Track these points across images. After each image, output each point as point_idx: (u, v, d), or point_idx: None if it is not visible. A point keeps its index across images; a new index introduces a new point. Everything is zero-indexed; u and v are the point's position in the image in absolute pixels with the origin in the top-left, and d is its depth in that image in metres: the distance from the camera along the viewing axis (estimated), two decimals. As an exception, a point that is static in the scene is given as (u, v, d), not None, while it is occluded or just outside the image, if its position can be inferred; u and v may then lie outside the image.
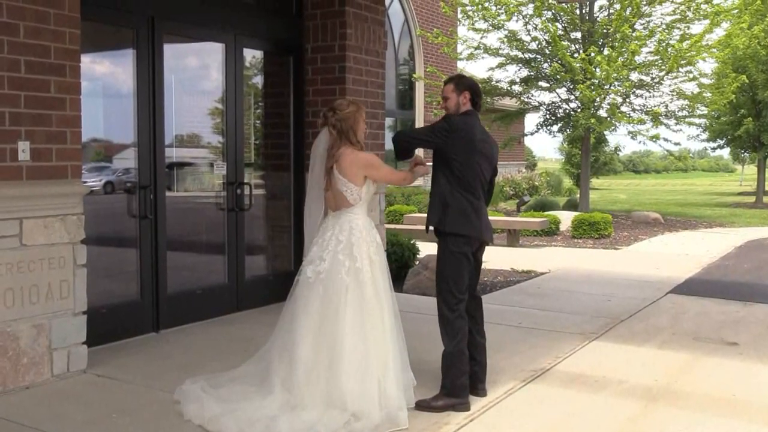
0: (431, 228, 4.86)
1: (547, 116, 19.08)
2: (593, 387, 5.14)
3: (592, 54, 16.56)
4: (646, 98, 18.41)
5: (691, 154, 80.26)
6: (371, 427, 4.21)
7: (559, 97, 18.56)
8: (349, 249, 4.57)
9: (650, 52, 17.40)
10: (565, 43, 17.77)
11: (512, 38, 17.89)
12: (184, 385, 4.75)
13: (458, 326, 4.71)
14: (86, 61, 5.66)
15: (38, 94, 5.02)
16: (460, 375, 4.68)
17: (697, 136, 27.39)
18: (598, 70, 16.51)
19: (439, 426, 4.36)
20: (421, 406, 4.57)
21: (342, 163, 4.63)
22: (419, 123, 21.32)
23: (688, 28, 17.46)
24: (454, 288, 4.71)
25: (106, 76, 6.52)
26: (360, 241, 4.60)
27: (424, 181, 21.72)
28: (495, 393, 4.90)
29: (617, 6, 17.39)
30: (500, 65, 18.65)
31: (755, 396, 5.01)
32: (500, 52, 18.26)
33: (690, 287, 9.19)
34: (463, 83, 4.93)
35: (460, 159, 4.68)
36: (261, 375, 4.74)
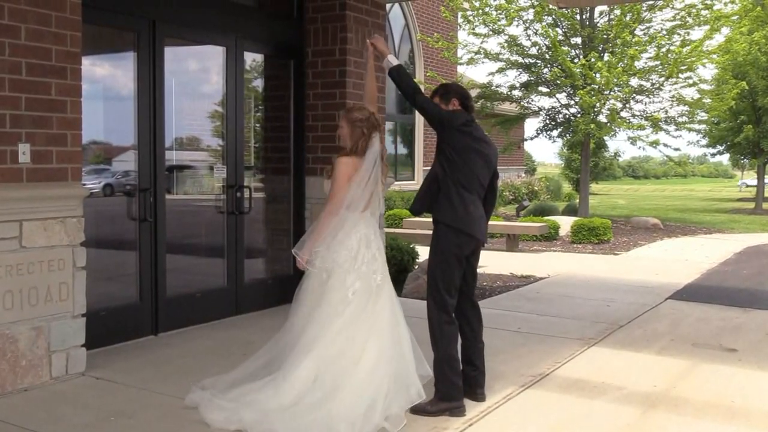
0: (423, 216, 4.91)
1: (547, 121, 19.11)
2: (592, 392, 5.14)
3: (593, 59, 16.59)
4: (645, 104, 18.47)
5: (690, 160, 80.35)
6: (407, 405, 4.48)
7: (559, 102, 18.59)
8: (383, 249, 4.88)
9: (650, 58, 17.44)
10: (566, 48, 17.80)
11: (512, 43, 17.92)
12: (193, 393, 4.70)
13: (447, 331, 4.69)
14: (87, 63, 5.67)
15: (39, 97, 5.02)
16: (453, 378, 4.68)
17: (697, 142, 27.50)
18: (598, 75, 16.54)
19: (438, 431, 4.36)
20: (417, 410, 4.56)
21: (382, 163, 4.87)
22: (419, 127, 21.34)
23: (688, 33, 17.51)
24: (443, 288, 4.69)
25: (107, 78, 6.53)
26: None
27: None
28: (494, 398, 4.90)
29: (617, 12, 17.42)
30: (500, 70, 18.69)
31: (754, 402, 5.01)
32: (500, 56, 18.30)
33: (689, 293, 9.19)
34: (449, 92, 4.89)
35: (455, 151, 4.66)
36: (266, 371, 4.74)
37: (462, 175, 4.68)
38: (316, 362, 4.50)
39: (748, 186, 59.19)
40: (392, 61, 4.86)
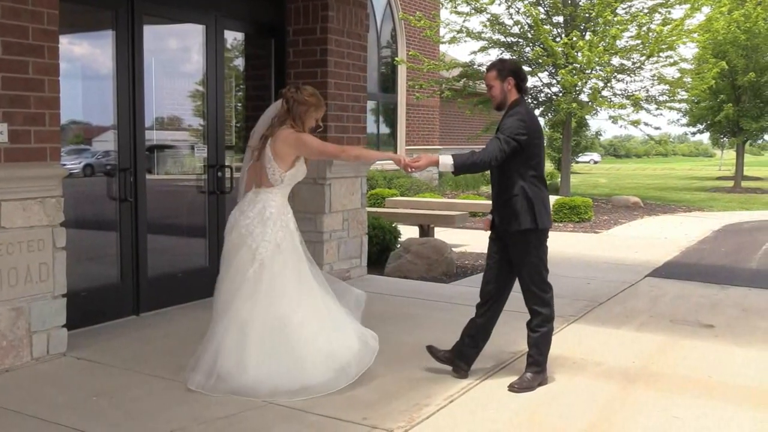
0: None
1: (529, 100, 19.11)
2: (572, 369, 5.20)
3: (574, 38, 16.58)
4: (627, 83, 18.51)
5: (671, 139, 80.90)
6: None
7: (541, 81, 18.62)
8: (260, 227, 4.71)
9: (631, 37, 17.46)
10: (548, 27, 17.77)
11: (495, 22, 17.87)
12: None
13: (553, 306, 4.90)
14: (65, 42, 5.60)
15: (16, 75, 4.96)
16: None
17: (678, 120, 27.59)
18: (579, 54, 16.54)
19: (419, 407, 4.40)
20: (523, 388, 4.72)
21: (276, 139, 4.73)
22: (402, 106, 21.27)
23: (669, 12, 17.54)
24: (546, 275, 4.84)
25: (85, 57, 6.46)
26: (268, 223, 4.71)
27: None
28: (475, 375, 4.94)
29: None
30: (482, 49, 18.63)
31: (730, 377, 5.09)
32: (483, 35, 18.24)
33: (668, 270, 9.29)
34: (506, 68, 4.84)
35: (539, 155, 4.76)
36: None
37: (542, 176, 4.81)
38: None
39: (596, 162, 59.88)
40: (448, 161, 4.65)
